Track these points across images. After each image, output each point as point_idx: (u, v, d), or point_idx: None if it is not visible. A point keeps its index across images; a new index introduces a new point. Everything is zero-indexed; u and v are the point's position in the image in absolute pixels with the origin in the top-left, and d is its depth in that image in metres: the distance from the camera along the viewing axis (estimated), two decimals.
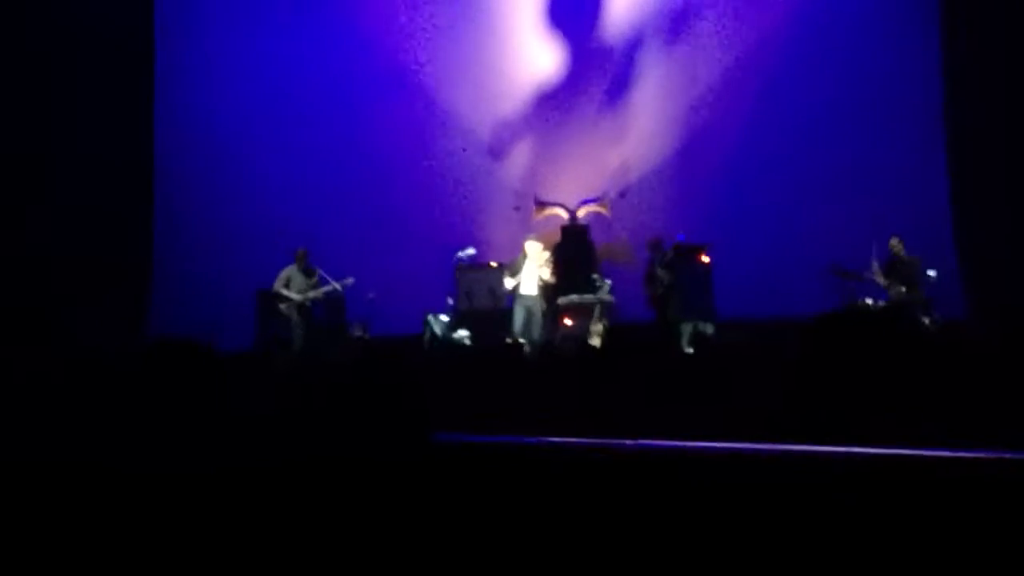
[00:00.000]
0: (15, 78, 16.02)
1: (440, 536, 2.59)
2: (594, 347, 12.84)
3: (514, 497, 2.53)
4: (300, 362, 13.33)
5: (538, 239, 15.70)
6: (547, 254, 15.49)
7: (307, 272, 15.21)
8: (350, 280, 15.20)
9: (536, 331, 15.08)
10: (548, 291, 15.44)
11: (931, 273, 14.55)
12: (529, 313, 15.17)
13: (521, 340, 14.36)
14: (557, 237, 17.05)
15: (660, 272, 15.66)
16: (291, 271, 15.19)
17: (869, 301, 14.61)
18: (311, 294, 15.14)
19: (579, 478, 2.46)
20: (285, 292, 15.10)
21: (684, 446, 2.23)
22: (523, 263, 15.30)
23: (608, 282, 15.91)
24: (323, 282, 15.24)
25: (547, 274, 15.23)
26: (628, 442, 2.36)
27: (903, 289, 14.62)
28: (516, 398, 5.70)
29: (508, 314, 15.35)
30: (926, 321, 13.67)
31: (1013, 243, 15.45)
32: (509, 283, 15.25)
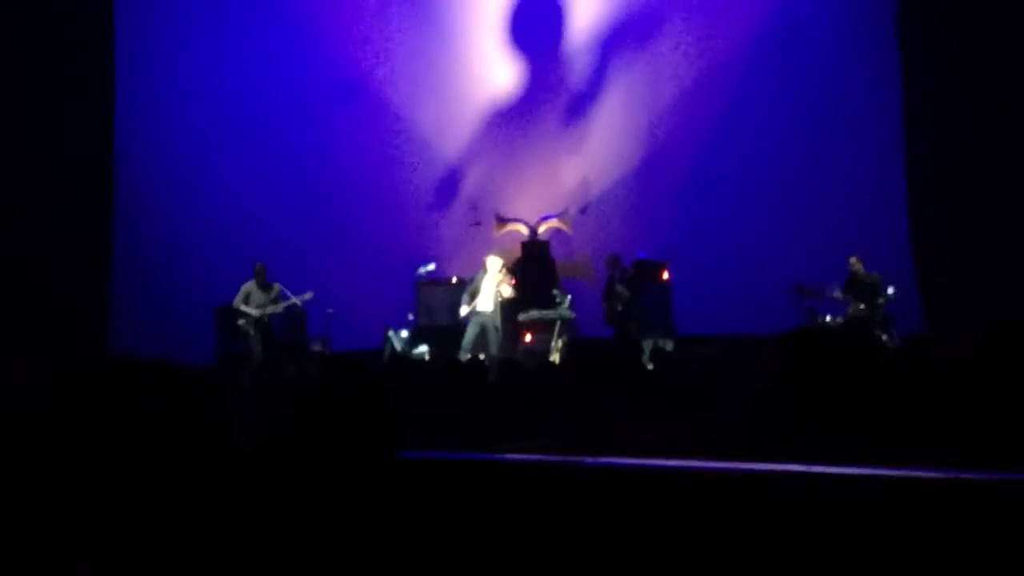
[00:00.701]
0: None
1: (405, 554, 2.59)
2: (554, 363, 12.85)
3: (475, 515, 2.54)
4: (259, 377, 13.26)
5: (500, 255, 15.74)
6: (506, 270, 15.53)
7: (266, 287, 15.14)
8: (309, 294, 15.16)
9: (493, 347, 15.09)
10: (507, 307, 15.47)
11: (890, 291, 14.66)
12: (482, 329, 15.18)
13: (468, 356, 14.41)
14: (517, 253, 17.08)
15: (619, 288, 15.71)
16: (250, 286, 15.13)
17: (828, 318, 14.71)
18: (270, 309, 15.08)
19: (537, 496, 2.47)
20: (244, 308, 15.04)
21: (645, 464, 2.24)
22: (483, 279, 15.35)
23: (568, 298, 15.96)
24: (283, 296, 15.18)
25: (507, 290, 15.27)
26: (587, 460, 2.37)
27: (861, 306, 14.71)
28: (477, 414, 5.70)
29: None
30: (884, 338, 13.76)
31: (971, 259, 15.58)
32: (464, 310, 15.30)
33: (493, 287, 15.25)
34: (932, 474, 1.90)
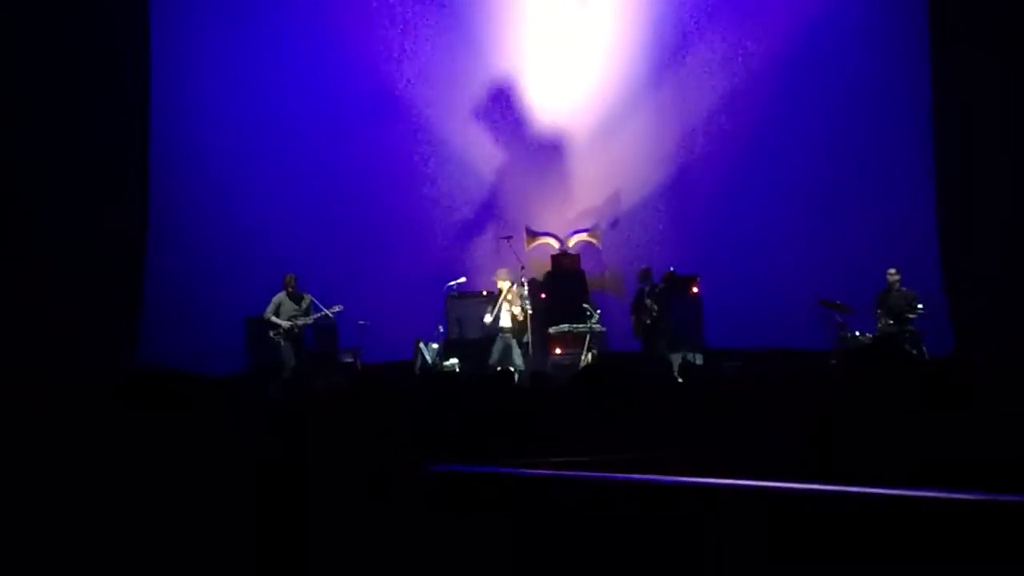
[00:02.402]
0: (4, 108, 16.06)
1: (433, 568, 2.60)
2: (584, 377, 12.83)
3: (504, 529, 2.55)
4: (290, 388, 13.34)
5: (508, 273, 15.74)
6: (517, 288, 15.54)
7: (296, 298, 15.20)
8: (339, 307, 15.22)
9: (517, 360, 15.11)
10: (521, 325, 15.44)
11: (919, 306, 14.60)
12: (506, 346, 15.26)
13: (496, 368, 14.47)
14: (548, 266, 17.14)
15: (648, 302, 15.69)
16: (281, 297, 15.20)
17: (856, 333, 14.66)
18: (300, 320, 15.14)
19: (563, 511, 2.47)
20: (274, 319, 15.11)
21: (672, 481, 2.24)
22: (499, 297, 15.50)
23: (599, 311, 15.97)
24: (314, 308, 15.25)
25: (518, 309, 15.32)
26: (615, 476, 2.37)
27: (891, 321, 14.64)
28: (505, 426, 5.71)
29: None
30: (913, 353, 13.70)
31: (1001, 277, 15.51)
32: (487, 318, 15.41)
33: (506, 306, 15.37)
34: (964, 496, 1.89)
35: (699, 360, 14.87)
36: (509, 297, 15.39)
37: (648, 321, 15.69)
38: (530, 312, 15.45)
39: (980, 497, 1.84)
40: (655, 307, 15.62)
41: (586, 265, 17.41)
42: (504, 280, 15.58)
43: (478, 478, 2.63)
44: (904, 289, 14.88)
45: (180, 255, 16.90)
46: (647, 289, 15.88)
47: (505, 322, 15.39)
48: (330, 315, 15.28)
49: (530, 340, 15.58)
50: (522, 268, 16.18)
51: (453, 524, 2.61)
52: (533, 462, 3.10)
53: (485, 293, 16.39)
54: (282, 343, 15.10)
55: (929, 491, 1.89)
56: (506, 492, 2.53)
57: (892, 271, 14.98)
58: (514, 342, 15.30)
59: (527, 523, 2.43)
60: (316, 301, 15.25)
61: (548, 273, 16.98)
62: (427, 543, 2.60)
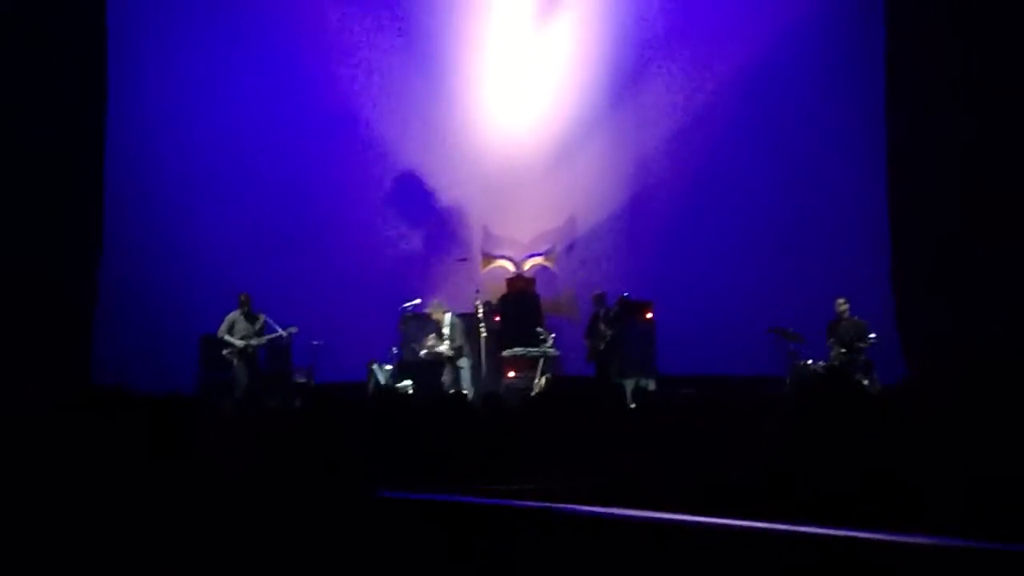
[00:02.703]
0: None
1: None
2: (537, 400, 12.85)
3: (454, 559, 2.55)
4: (242, 408, 13.26)
5: (442, 304, 15.75)
6: (449, 318, 15.53)
7: (251, 317, 15.14)
8: (294, 328, 15.16)
9: (465, 385, 15.09)
10: (451, 362, 15.40)
11: (871, 336, 14.69)
12: (450, 376, 15.27)
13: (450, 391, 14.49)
14: (503, 289, 17.14)
15: (603, 327, 15.72)
16: (235, 316, 15.13)
17: (809, 362, 14.72)
18: (254, 340, 15.07)
19: (512, 541, 2.47)
20: (228, 338, 15.03)
21: (616, 514, 2.24)
22: (432, 331, 15.54)
23: (552, 335, 15.97)
24: (268, 328, 15.18)
25: (444, 346, 15.34)
26: (560, 507, 2.37)
27: (842, 350, 14.72)
28: (457, 450, 5.70)
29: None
30: (865, 383, 13.78)
31: (952, 305, 15.63)
32: (421, 352, 15.47)
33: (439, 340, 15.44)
34: (921, 540, 1.89)
35: (652, 386, 14.90)
36: (444, 331, 15.40)
37: (602, 346, 15.71)
38: (448, 354, 15.40)
39: (929, 541, 1.85)
40: (609, 332, 15.65)
41: (541, 289, 17.42)
42: (438, 310, 15.55)
43: (431, 506, 2.62)
44: (855, 318, 14.96)
45: (134, 274, 16.78)
46: (601, 314, 15.91)
47: (446, 352, 15.41)
48: (285, 335, 15.23)
49: (483, 363, 15.58)
50: (477, 292, 16.22)
51: (405, 554, 2.61)
52: (486, 489, 3.10)
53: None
54: (235, 362, 15.03)
55: (878, 534, 1.89)
56: (458, 521, 2.53)
57: (841, 300, 15.08)
58: (457, 367, 15.29)
59: (480, 553, 2.43)
60: (271, 321, 15.19)
61: (503, 296, 16.98)
62: (371, 568, 2.59)
